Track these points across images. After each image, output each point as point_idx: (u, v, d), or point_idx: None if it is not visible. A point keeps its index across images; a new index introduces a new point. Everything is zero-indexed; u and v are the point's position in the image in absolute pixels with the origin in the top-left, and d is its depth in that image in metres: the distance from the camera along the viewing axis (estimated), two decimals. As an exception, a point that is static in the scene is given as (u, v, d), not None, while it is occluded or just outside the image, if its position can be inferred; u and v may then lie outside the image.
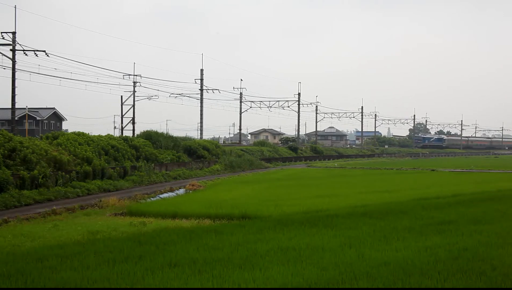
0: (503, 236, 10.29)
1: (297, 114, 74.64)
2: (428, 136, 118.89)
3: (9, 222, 14.83)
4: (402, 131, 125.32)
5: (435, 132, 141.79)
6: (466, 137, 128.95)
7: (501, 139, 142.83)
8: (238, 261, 8.15)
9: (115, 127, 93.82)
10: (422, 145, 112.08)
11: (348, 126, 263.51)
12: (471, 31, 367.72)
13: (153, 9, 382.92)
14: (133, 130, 51.45)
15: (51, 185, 22.44)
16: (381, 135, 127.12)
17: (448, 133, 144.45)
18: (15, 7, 34.89)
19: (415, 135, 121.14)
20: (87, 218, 15.88)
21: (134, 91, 53.09)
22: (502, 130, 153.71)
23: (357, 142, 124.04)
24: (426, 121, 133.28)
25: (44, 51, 35.68)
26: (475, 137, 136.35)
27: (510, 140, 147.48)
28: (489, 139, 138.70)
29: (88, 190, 23.77)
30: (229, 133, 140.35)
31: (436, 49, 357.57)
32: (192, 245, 9.62)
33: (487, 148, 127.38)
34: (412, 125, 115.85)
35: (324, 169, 43.96)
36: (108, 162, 29.21)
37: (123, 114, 53.78)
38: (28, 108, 51.72)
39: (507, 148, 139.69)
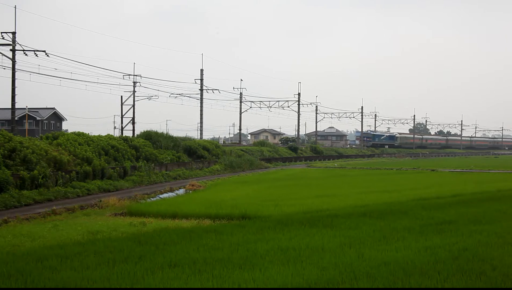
0: (503, 236, 10.29)
1: (297, 114, 74.61)
2: (378, 133, 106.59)
3: (9, 222, 14.83)
4: (402, 131, 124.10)
5: (435, 132, 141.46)
6: (420, 135, 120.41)
7: (458, 138, 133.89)
8: (238, 261, 8.15)
9: (115, 127, 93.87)
10: (372, 143, 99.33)
11: (348, 126, 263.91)
12: (472, 31, 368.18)
13: (153, 9, 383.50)
14: (133, 130, 51.43)
15: (51, 185, 22.44)
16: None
17: (448, 133, 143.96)
18: (15, 7, 34.93)
19: (364, 132, 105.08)
20: (87, 218, 15.87)
21: (134, 91, 53.11)
22: (502, 130, 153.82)
23: (357, 142, 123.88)
24: (426, 121, 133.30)
25: (44, 51, 35.67)
26: (429, 135, 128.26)
27: (466, 139, 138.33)
28: (445, 138, 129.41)
29: (88, 190, 23.76)
30: (229, 133, 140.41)
31: (436, 49, 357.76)
32: (192, 245, 9.63)
33: (442, 147, 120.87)
34: (412, 125, 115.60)
35: (324, 169, 43.96)
36: (108, 162, 29.21)
37: (123, 114, 53.76)
38: (28, 108, 51.74)
39: (507, 148, 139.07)
